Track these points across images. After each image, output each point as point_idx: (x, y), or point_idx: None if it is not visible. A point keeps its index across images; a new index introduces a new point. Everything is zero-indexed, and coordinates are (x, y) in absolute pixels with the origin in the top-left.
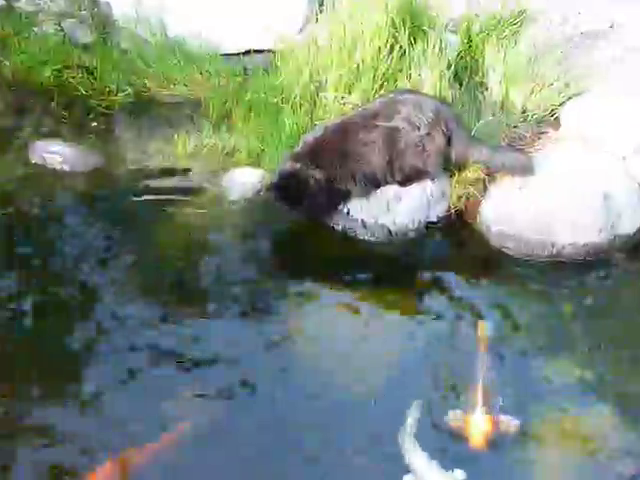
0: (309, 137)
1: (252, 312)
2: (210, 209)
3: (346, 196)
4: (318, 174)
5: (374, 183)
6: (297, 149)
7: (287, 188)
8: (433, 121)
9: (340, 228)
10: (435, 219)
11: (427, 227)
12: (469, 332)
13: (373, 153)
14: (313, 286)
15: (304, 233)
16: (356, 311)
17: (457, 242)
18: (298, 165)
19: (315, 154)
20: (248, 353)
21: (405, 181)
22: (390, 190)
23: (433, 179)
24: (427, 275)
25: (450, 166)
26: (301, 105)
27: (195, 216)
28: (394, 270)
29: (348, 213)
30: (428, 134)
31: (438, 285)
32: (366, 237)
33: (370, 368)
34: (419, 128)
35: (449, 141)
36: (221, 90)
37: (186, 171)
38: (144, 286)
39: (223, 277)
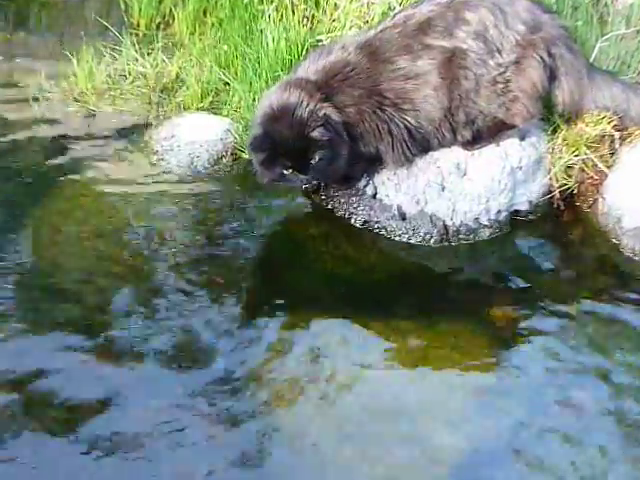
0: (312, 62)
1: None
2: (133, 190)
3: (373, 164)
4: (335, 115)
5: (422, 144)
6: (292, 78)
7: (279, 141)
8: (525, 40)
9: (361, 221)
10: (525, 207)
11: (511, 221)
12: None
13: (421, 93)
14: (331, 322)
15: (303, 231)
16: (396, 361)
17: (563, 246)
18: (300, 98)
19: (323, 91)
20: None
21: (474, 142)
22: (448, 157)
23: (522, 138)
24: (511, 304)
25: (553, 117)
26: (295, 6)
27: (108, 204)
28: (454, 296)
29: (375, 195)
30: (516, 63)
31: (530, 322)
32: (404, 237)
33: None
34: (500, 52)
35: (552, 75)
36: None
37: (91, 119)
38: None
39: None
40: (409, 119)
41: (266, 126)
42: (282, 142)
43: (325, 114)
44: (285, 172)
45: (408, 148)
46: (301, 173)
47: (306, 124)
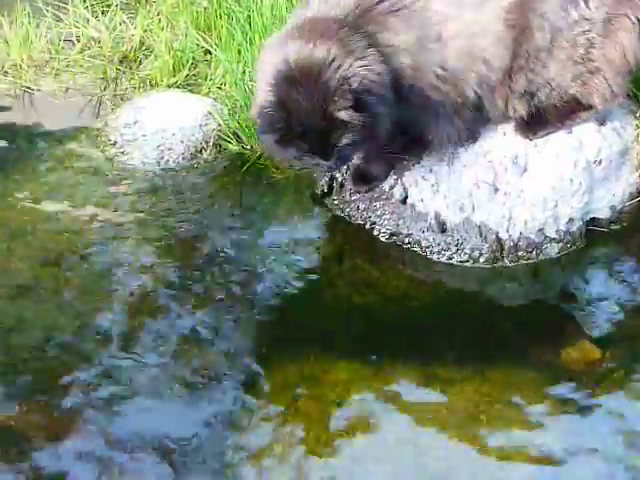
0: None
1: None
2: (82, 195)
3: (415, 149)
4: (377, 75)
5: (470, 125)
6: (310, 14)
7: (295, 114)
8: None
9: (387, 234)
10: (605, 214)
11: (587, 233)
12: None
13: (480, 42)
14: (348, 369)
15: (311, 248)
16: (436, 421)
17: None
18: (329, 53)
19: (361, 31)
20: None
21: (537, 124)
22: (503, 148)
23: (602, 123)
24: (591, 342)
25: None
26: None
27: (46, 218)
28: (512, 333)
29: (405, 200)
30: (606, 21)
31: (617, 365)
32: (444, 256)
33: None
34: (587, 2)
35: None
36: None
37: (27, 99)
38: None
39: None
40: (451, 87)
41: (280, 91)
42: (299, 116)
43: (362, 82)
44: (301, 154)
45: (459, 118)
46: (322, 158)
47: (332, 98)
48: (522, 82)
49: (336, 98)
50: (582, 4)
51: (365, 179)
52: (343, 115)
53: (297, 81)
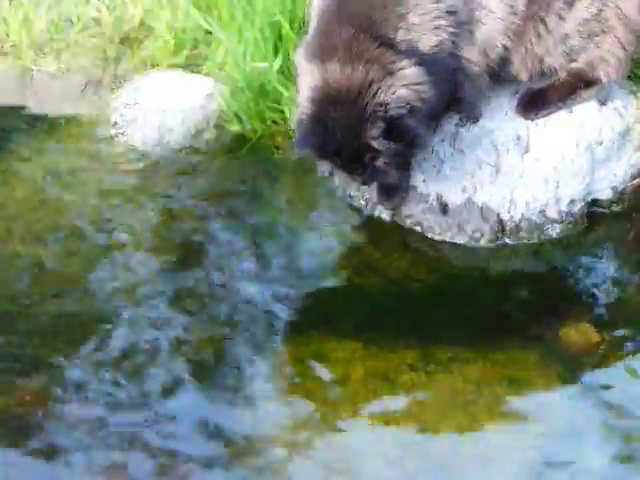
0: None
1: None
2: (83, 175)
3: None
4: (414, 95)
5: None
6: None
7: (331, 131)
8: None
9: (389, 214)
10: (607, 195)
11: (589, 214)
12: None
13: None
14: (352, 350)
15: (313, 230)
16: (438, 402)
17: None
18: (368, 76)
19: (393, 42)
20: None
21: (538, 103)
22: (504, 127)
23: (604, 102)
24: (590, 323)
25: None
26: None
27: (49, 197)
28: (513, 313)
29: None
30: None
31: (616, 346)
32: (446, 236)
33: None
34: None
35: None
36: None
37: (27, 80)
38: None
39: None
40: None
41: (319, 108)
42: (334, 135)
43: (400, 106)
44: (335, 169)
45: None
46: (354, 175)
47: (366, 124)
48: (533, 37)
49: (369, 125)
50: None
51: (389, 192)
52: (375, 143)
53: (335, 101)
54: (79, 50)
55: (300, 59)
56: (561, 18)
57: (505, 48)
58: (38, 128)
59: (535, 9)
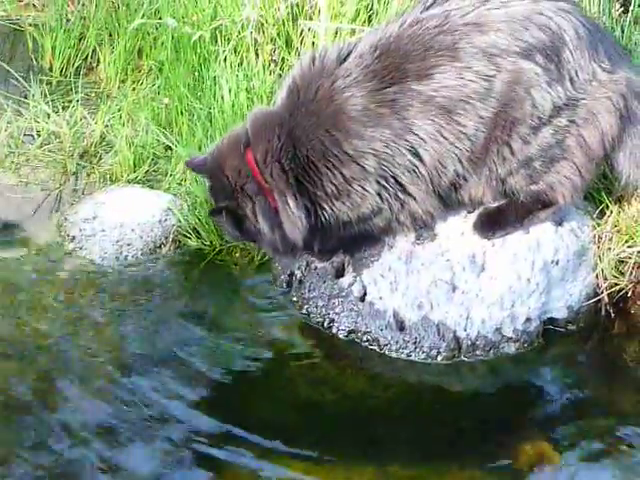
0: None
1: None
2: (41, 290)
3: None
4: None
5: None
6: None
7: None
8: (605, 77)
9: (345, 331)
10: (562, 314)
11: (544, 332)
12: None
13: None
14: (308, 468)
15: (269, 345)
16: None
17: (613, 367)
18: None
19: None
20: None
21: (495, 223)
22: (460, 247)
23: (559, 223)
24: (544, 440)
25: (599, 195)
26: (259, 46)
27: (3, 312)
28: (469, 430)
29: (364, 298)
30: (589, 103)
31: (572, 466)
32: (403, 353)
33: None
34: (573, 82)
35: (623, 125)
36: (73, 11)
37: None
38: None
39: None
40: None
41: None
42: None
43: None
44: None
45: (432, 195)
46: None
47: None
48: (496, 159)
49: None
50: (568, 84)
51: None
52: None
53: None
54: (39, 164)
55: None
56: (526, 142)
57: (457, 173)
58: None
59: (498, 133)
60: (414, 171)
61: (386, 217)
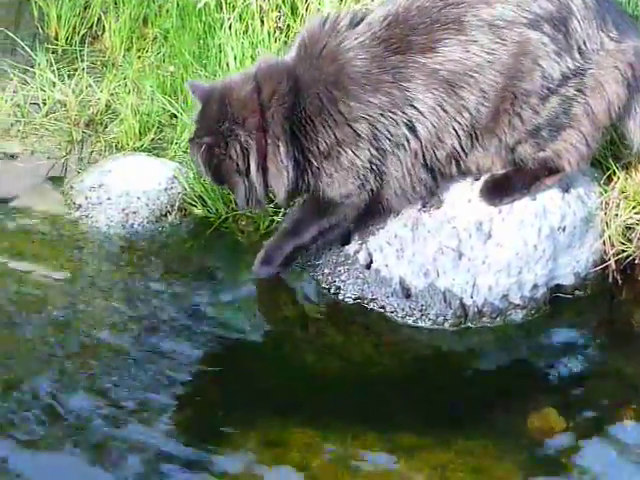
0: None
1: None
2: (47, 258)
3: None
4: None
5: (436, 167)
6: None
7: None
8: (612, 46)
9: (352, 298)
10: (569, 280)
11: (551, 299)
12: None
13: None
14: (314, 436)
15: (276, 312)
16: None
17: (621, 333)
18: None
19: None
20: None
21: (502, 190)
22: (467, 214)
23: (566, 190)
24: (553, 409)
25: (607, 161)
26: (264, 14)
27: (10, 281)
28: (476, 399)
29: (370, 265)
30: (596, 72)
31: (579, 434)
32: (409, 320)
33: None
34: (581, 52)
35: (631, 94)
36: None
37: None
38: None
39: None
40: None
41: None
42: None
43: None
44: None
45: (420, 170)
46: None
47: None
48: (507, 129)
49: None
50: (576, 54)
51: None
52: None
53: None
54: (45, 133)
55: None
56: (535, 112)
57: (454, 147)
58: (2, 209)
59: (508, 105)
60: (406, 143)
61: (372, 188)
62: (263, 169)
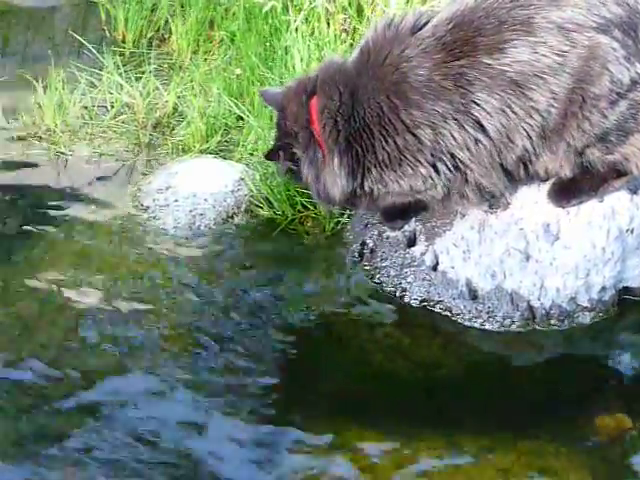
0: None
1: None
2: (115, 258)
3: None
4: None
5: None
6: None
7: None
8: None
9: (418, 300)
10: (638, 283)
11: (620, 302)
12: None
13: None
14: (379, 438)
15: (342, 314)
16: None
17: None
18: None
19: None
20: None
21: (570, 192)
22: (534, 216)
23: (635, 191)
24: (624, 410)
25: None
26: (330, 16)
27: (81, 279)
28: (544, 400)
29: (436, 267)
30: None
31: None
32: (476, 322)
33: None
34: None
35: None
36: None
37: (61, 164)
38: None
39: None
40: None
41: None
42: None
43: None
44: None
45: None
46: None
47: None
48: (576, 133)
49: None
50: (632, 60)
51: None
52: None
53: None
54: (113, 135)
55: None
56: (604, 117)
57: (526, 149)
58: (71, 211)
59: (576, 109)
60: (477, 144)
61: (443, 190)
62: (318, 179)
